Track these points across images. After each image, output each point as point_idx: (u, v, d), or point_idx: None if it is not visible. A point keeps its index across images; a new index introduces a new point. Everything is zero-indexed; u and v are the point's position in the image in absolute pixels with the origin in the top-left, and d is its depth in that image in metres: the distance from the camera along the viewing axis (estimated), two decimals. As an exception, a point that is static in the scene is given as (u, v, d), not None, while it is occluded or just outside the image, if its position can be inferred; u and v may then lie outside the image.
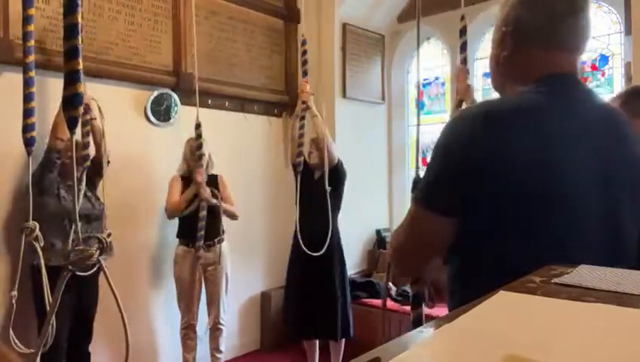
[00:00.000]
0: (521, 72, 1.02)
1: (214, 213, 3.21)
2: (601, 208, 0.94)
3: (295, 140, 3.40)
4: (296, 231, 3.40)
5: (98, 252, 1.27)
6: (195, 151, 3.16)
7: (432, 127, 4.45)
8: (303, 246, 3.27)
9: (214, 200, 3.15)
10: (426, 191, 1.00)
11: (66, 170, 2.67)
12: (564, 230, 0.91)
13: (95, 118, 2.68)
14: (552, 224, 0.91)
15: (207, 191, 3.12)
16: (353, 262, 4.30)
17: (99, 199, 2.84)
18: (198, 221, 3.08)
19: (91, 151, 2.67)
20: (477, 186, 0.92)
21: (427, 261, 1.08)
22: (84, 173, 2.55)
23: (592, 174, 0.93)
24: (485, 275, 0.76)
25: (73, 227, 2.51)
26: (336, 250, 3.37)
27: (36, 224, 2.21)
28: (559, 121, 0.94)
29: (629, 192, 0.98)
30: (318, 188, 3.36)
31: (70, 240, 2.56)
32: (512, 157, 0.90)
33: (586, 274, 0.74)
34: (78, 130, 2.36)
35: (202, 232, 3.09)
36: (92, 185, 2.83)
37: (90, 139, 2.68)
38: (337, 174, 3.37)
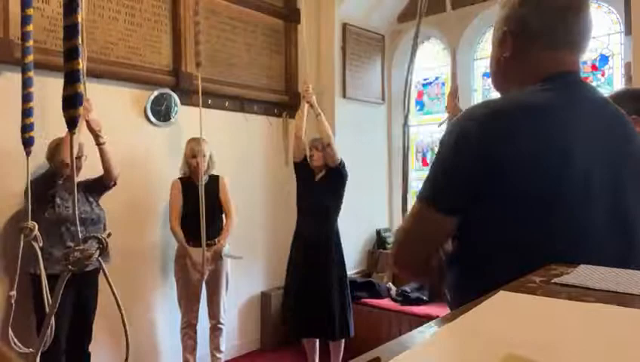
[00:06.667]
0: (523, 72, 1.01)
1: (214, 214, 3.22)
2: (610, 209, 0.93)
3: (299, 138, 3.41)
4: (295, 231, 3.41)
5: (98, 252, 1.26)
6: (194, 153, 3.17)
7: (432, 127, 4.46)
8: (301, 246, 3.27)
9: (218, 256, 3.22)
10: (431, 191, 0.99)
11: (64, 170, 2.67)
12: (572, 231, 0.91)
13: (104, 143, 2.71)
14: (560, 224, 0.90)
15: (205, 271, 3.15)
16: (353, 262, 4.30)
17: (99, 205, 2.85)
18: (199, 226, 3.07)
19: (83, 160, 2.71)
20: (484, 186, 0.91)
21: (427, 258, 1.07)
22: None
23: (599, 175, 0.93)
24: (490, 276, 0.76)
25: (72, 229, 2.51)
26: (334, 250, 3.36)
27: (35, 224, 2.20)
28: (567, 120, 0.93)
29: (636, 192, 0.97)
30: (318, 189, 3.36)
31: (68, 243, 2.56)
32: (520, 157, 0.89)
33: (586, 274, 0.74)
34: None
35: (204, 244, 3.09)
36: (94, 192, 2.84)
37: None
38: (339, 175, 3.36)
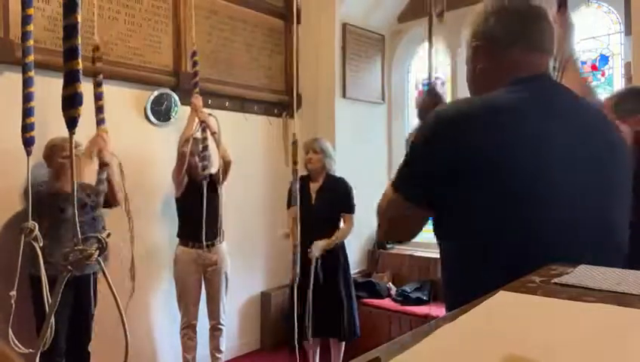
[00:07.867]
0: (497, 79, 1.04)
1: (214, 213, 3.21)
2: (586, 207, 0.93)
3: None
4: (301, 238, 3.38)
5: (97, 252, 1.26)
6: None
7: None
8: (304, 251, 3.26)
9: (214, 130, 3.15)
10: (403, 181, 1.03)
11: (61, 169, 2.68)
12: (544, 230, 0.91)
13: (108, 164, 2.74)
14: (534, 224, 0.91)
15: (205, 115, 3.13)
16: (353, 262, 4.29)
17: (98, 208, 2.86)
18: (202, 220, 3.07)
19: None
20: (454, 186, 0.93)
21: (406, 238, 1.16)
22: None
23: (573, 174, 0.93)
24: (478, 274, 0.77)
25: (71, 229, 2.51)
26: (340, 252, 3.36)
27: (35, 224, 2.20)
28: (534, 120, 0.95)
29: (612, 191, 0.98)
30: (318, 206, 3.32)
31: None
32: (488, 158, 0.91)
33: (586, 274, 0.74)
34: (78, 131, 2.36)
35: (204, 232, 3.10)
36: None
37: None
38: (346, 196, 3.36)
